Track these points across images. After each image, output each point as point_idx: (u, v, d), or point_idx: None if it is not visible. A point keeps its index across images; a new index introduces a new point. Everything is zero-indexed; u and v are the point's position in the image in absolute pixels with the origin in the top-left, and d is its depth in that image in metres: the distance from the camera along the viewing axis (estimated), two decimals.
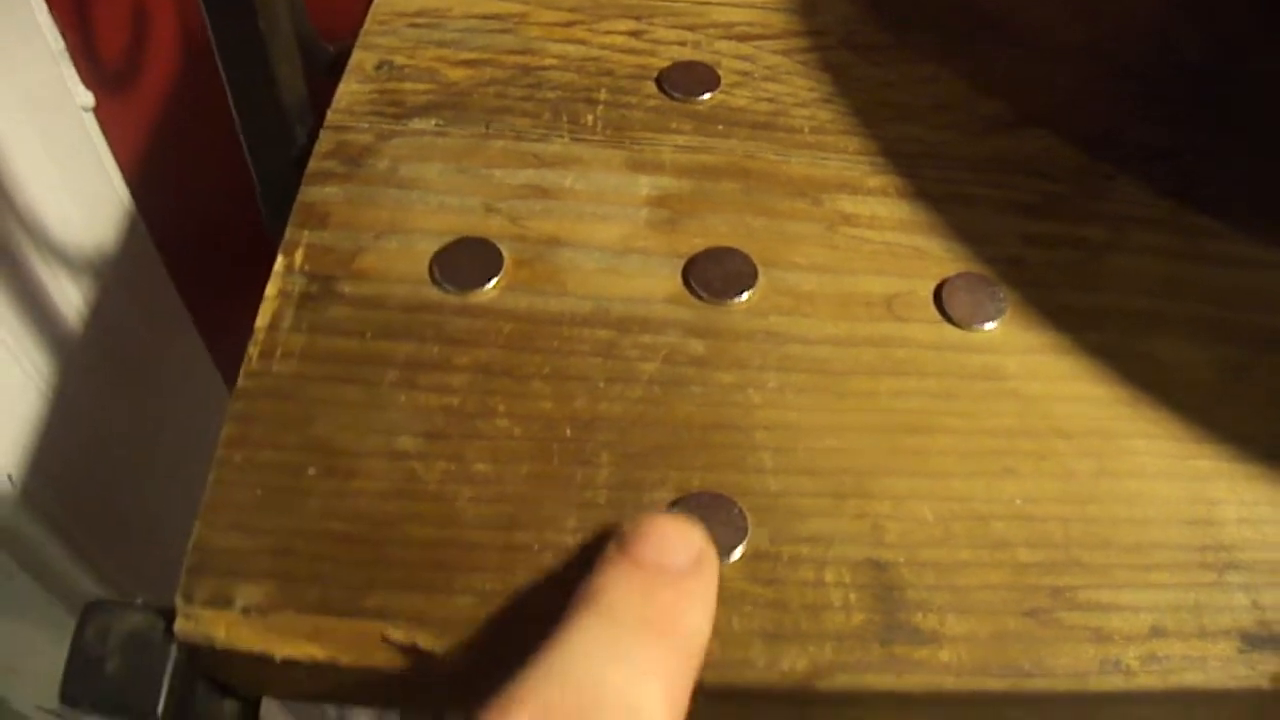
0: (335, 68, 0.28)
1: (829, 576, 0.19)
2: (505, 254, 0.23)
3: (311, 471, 0.20)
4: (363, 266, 0.23)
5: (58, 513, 0.42)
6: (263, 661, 0.19)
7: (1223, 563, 0.20)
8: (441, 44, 0.28)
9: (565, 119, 0.26)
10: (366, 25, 0.28)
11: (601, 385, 0.22)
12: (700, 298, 0.23)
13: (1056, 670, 0.19)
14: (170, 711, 0.19)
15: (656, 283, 0.23)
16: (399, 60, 0.28)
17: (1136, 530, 0.20)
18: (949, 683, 0.19)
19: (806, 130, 0.26)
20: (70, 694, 0.19)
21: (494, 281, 0.23)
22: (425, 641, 0.19)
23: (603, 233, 0.24)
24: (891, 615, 0.19)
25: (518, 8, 0.29)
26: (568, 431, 0.21)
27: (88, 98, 0.42)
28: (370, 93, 0.27)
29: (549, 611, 0.19)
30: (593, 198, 0.25)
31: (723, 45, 0.28)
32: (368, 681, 0.19)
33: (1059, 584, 0.20)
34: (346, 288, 0.23)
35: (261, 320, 0.23)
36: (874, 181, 0.25)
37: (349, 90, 0.27)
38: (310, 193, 0.25)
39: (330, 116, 0.26)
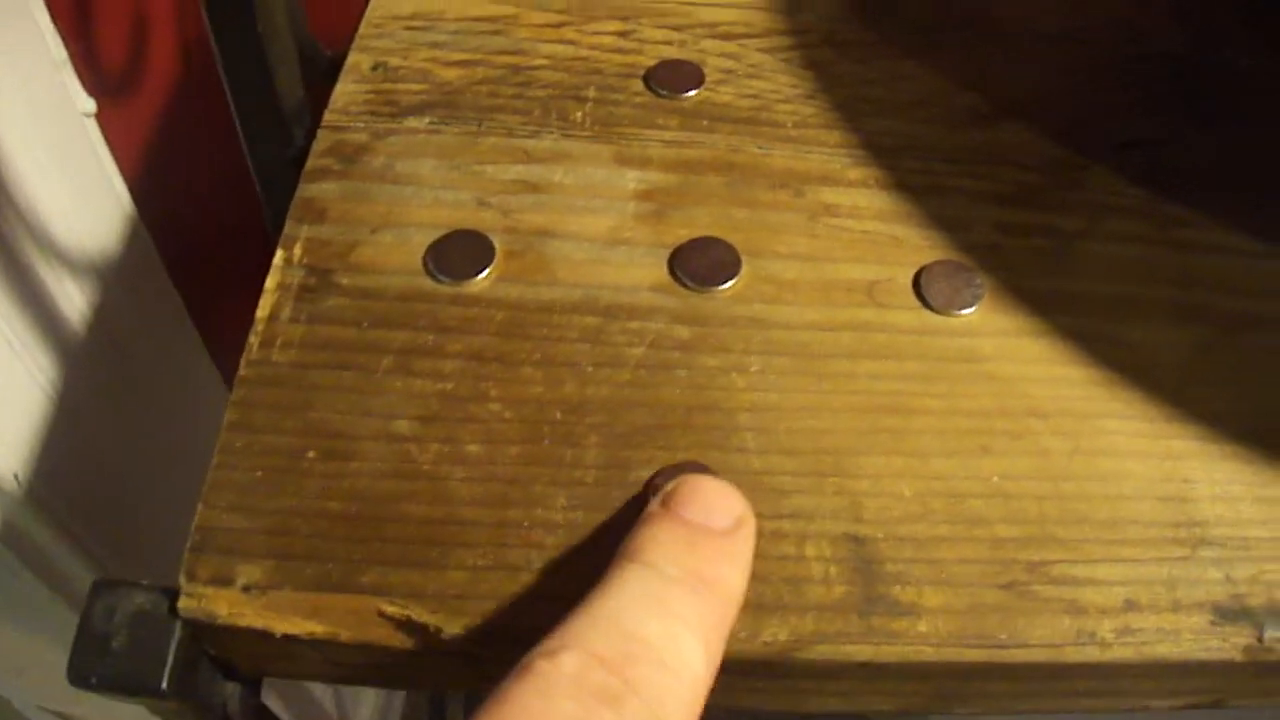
0: (333, 72, 0.28)
1: (809, 551, 0.20)
2: (497, 246, 0.24)
3: (310, 454, 0.21)
4: (359, 259, 0.24)
5: (62, 511, 0.43)
6: (264, 638, 0.19)
7: (1196, 538, 0.21)
8: (435, 45, 0.29)
9: (555, 116, 0.27)
10: (362, 29, 0.29)
11: (590, 370, 0.22)
12: (686, 286, 0.24)
13: (1032, 641, 0.19)
14: (174, 686, 0.19)
15: (643, 272, 0.24)
16: (393, 61, 0.28)
17: (1111, 507, 0.21)
18: (927, 653, 0.19)
19: (789, 125, 0.27)
20: (78, 670, 0.19)
21: (486, 272, 0.24)
22: (421, 615, 0.19)
23: (591, 225, 0.25)
24: (870, 588, 0.20)
25: (509, 10, 0.30)
26: (557, 414, 0.22)
27: (89, 104, 0.43)
28: (366, 93, 0.28)
29: (540, 585, 0.20)
30: (581, 191, 0.25)
31: (708, 44, 0.29)
32: (366, 657, 0.20)
33: (1035, 558, 0.20)
34: (343, 279, 0.24)
35: (262, 311, 0.23)
36: (854, 174, 0.26)
37: (345, 91, 0.28)
38: (308, 189, 0.25)
39: (327, 116, 0.27)
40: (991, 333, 0.23)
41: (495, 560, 0.20)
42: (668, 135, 0.27)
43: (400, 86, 0.28)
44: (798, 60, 0.29)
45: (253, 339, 0.23)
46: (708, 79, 0.28)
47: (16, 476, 0.40)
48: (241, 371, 0.23)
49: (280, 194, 0.26)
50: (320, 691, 0.72)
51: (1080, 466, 0.22)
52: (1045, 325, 0.24)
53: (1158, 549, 0.21)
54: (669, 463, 0.21)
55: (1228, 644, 0.20)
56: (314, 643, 0.20)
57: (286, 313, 0.23)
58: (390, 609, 0.19)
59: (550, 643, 0.16)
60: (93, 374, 0.45)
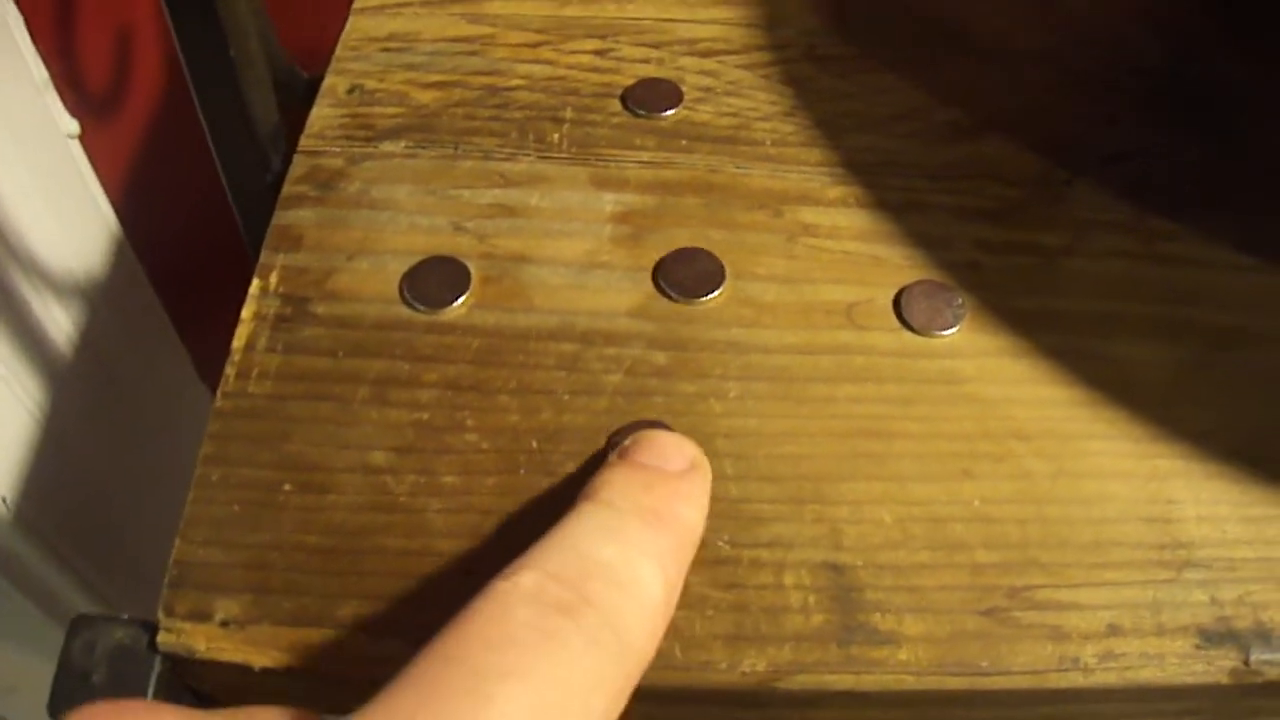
0: (311, 94, 0.28)
1: (788, 580, 0.20)
2: (473, 272, 0.24)
3: (287, 487, 0.21)
4: (335, 287, 0.24)
5: (52, 534, 0.43)
6: (243, 671, 0.19)
7: (1181, 560, 0.21)
8: (411, 67, 0.29)
9: (532, 138, 0.27)
10: (338, 50, 0.29)
11: (566, 398, 0.22)
12: (670, 298, 0.24)
13: (1014, 668, 0.19)
14: None
15: (620, 296, 0.24)
16: (370, 84, 0.28)
17: (1094, 529, 0.21)
18: (908, 682, 0.19)
19: (768, 143, 0.27)
20: (58, 705, 0.19)
21: (462, 299, 0.24)
22: (399, 649, 0.19)
23: (568, 249, 0.25)
24: (850, 616, 0.20)
25: (486, 30, 0.30)
26: (534, 444, 0.21)
27: (73, 125, 0.42)
28: (342, 117, 0.27)
29: None
30: (558, 215, 0.25)
31: (686, 61, 0.29)
32: (345, 691, 0.20)
33: (1017, 584, 0.20)
34: (320, 308, 0.24)
35: (238, 342, 0.23)
36: (834, 192, 0.26)
37: (321, 115, 0.27)
38: (284, 216, 0.25)
39: (303, 141, 0.27)
40: (973, 353, 0.23)
41: (471, 592, 0.20)
42: (645, 156, 0.27)
43: (376, 110, 0.28)
44: (777, 76, 0.29)
45: (229, 370, 0.23)
46: (686, 97, 0.28)
47: (4, 499, 0.40)
48: (217, 403, 0.22)
49: (258, 220, 0.26)
50: None
51: (1063, 489, 0.21)
52: (1028, 345, 0.23)
53: (1142, 571, 0.20)
54: None
55: (1213, 668, 0.20)
56: (293, 676, 0.19)
57: (263, 343, 0.23)
58: (367, 643, 0.19)
59: (509, 569, 0.16)
60: (80, 395, 0.45)
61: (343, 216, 0.25)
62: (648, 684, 0.19)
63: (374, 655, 0.19)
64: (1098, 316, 0.24)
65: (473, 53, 0.29)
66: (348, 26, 0.30)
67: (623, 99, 0.28)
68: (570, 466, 0.21)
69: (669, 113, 0.28)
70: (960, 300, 0.24)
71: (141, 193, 0.48)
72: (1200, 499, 0.21)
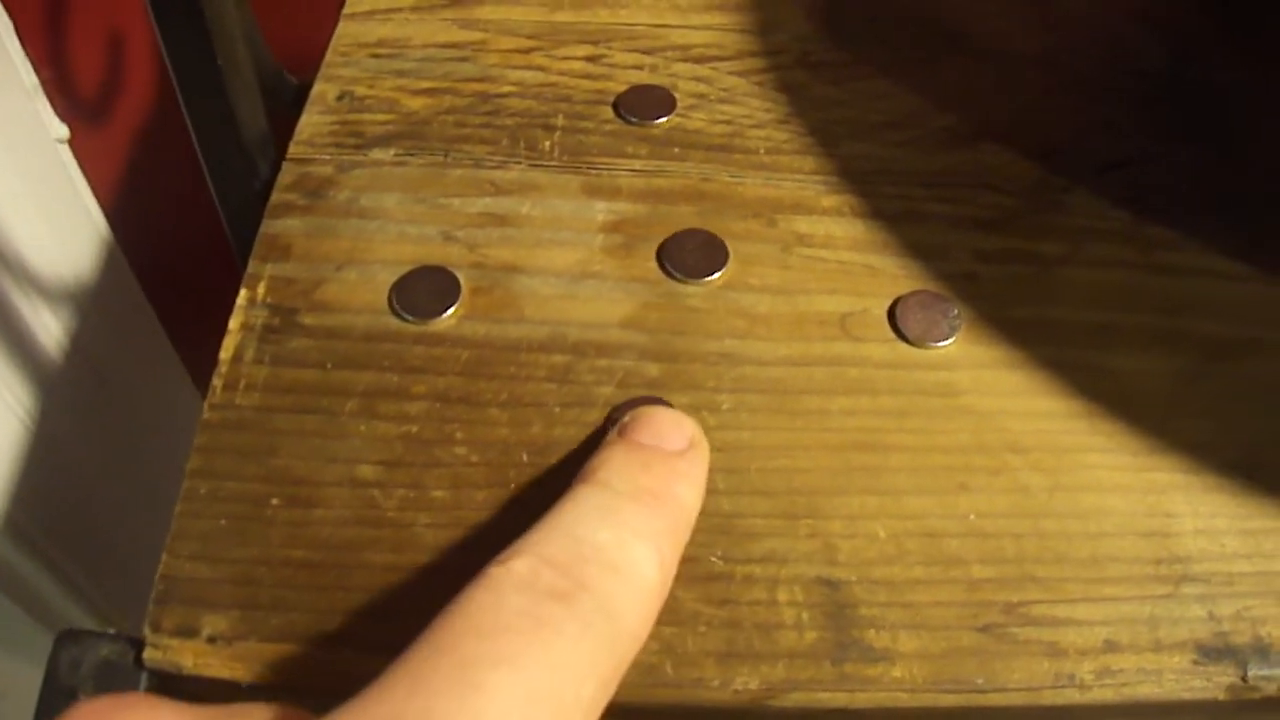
0: (300, 101, 0.28)
1: (781, 596, 0.20)
2: (463, 282, 0.24)
3: (274, 501, 0.21)
4: (324, 298, 0.24)
5: (42, 541, 0.42)
6: (231, 688, 0.19)
7: (1179, 575, 0.20)
8: (401, 73, 0.28)
9: (523, 145, 0.27)
10: (328, 56, 0.29)
11: (557, 410, 0.22)
12: (674, 277, 0.24)
13: (1010, 685, 0.19)
14: None
15: (612, 307, 0.24)
16: (359, 91, 0.28)
17: (1091, 544, 0.21)
18: (902, 699, 0.19)
19: (762, 151, 0.27)
20: None
21: (452, 310, 0.23)
22: (385, 665, 0.19)
23: (559, 259, 0.24)
24: (844, 633, 0.19)
25: (477, 36, 0.30)
26: (524, 457, 0.21)
27: (62, 130, 0.42)
28: (331, 124, 0.27)
29: None
30: (549, 224, 0.25)
31: (680, 68, 0.29)
32: (333, 705, 0.20)
33: (1012, 599, 0.20)
34: (308, 319, 0.23)
35: (225, 353, 0.23)
36: (828, 201, 0.26)
37: (310, 122, 0.27)
38: (272, 225, 0.25)
39: (292, 149, 0.26)
40: (969, 365, 0.23)
41: None
42: (637, 164, 0.26)
43: (366, 117, 0.27)
44: (771, 83, 0.28)
45: (216, 381, 0.23)
46: (679, 104, 0.28)
47: None
48: (205, 415, 0.22)
49: (246, 228, 0.26)
50: None
51: (1060, 503, 0.21)
52: (1024, 356, 0.23)
53: (1139, 587, 0.20)
54: None
55: (1211, 684, 0.19)
56: (280, 692, 0.19)
57: (250, 354, 0.23)
58: (354, 659, 0.19)
59: (504, 554, 0.16)
60: (71, 401, 0.45)
61: (331, 225, 0.25)
62: (639, 701, 0.19)
63: (361, 671, 0.19)
64: (1095, 327, 0.24)
65: (464, 59, 0.29)
66: (337, 32, 0.30)
67: (615, 106, 0.28)
68: (561, 481, 0.21)
69: (661, 120, 0.27)
70: (956, 311, 0.24)
71: (132, 197, 0.48)
72: (1198, 512, 0.21)
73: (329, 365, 0.23)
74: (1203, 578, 0.20)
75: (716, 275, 0.24)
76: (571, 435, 0.21)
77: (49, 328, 0.43)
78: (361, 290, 0.24)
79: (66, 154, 0.43)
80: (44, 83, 0.41)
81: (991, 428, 0.22)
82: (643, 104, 0.27)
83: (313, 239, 0.25)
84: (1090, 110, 0.28)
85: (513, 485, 0.21)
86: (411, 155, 0.26)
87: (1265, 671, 0.19)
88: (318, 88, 0.28)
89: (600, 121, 0.27)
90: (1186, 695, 0.19)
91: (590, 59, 0.29)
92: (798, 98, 0.28)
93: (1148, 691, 0.19)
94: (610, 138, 0.27)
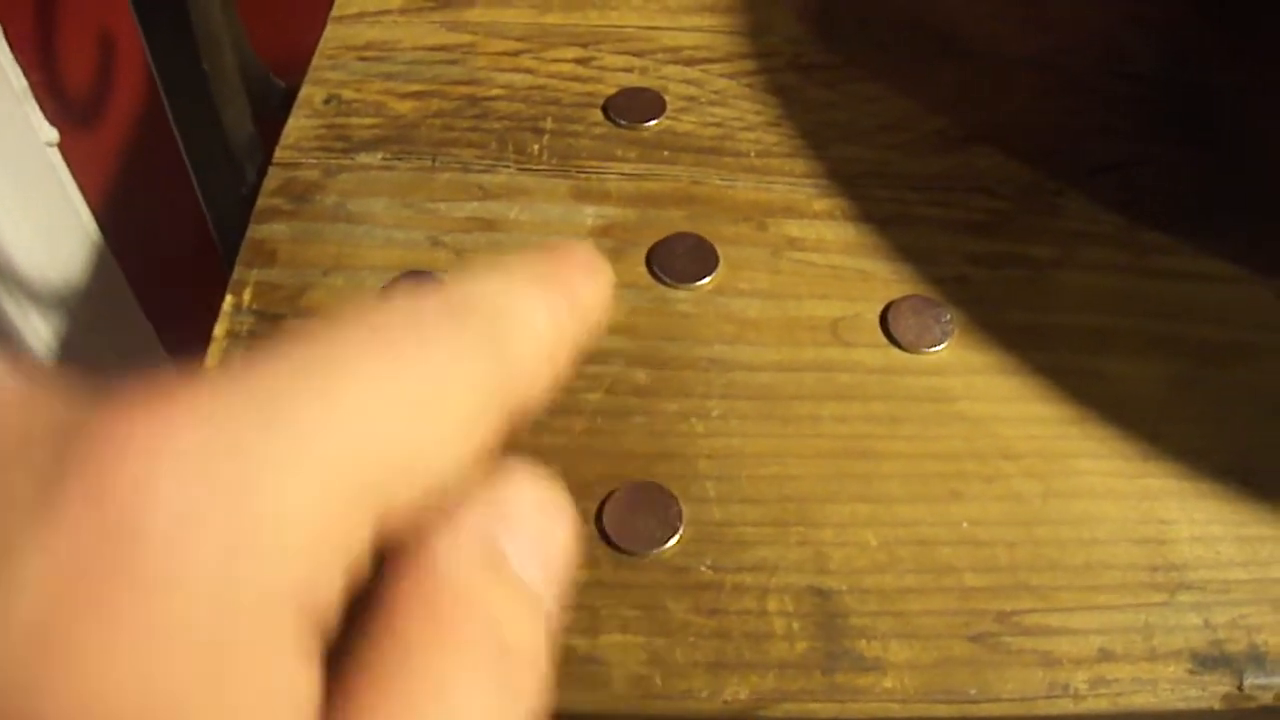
0: (288, 104, 0.28)
1: (771, 605, 0.19)
2: None
3: None
4: (310, 304, 0.23)
5: None
6: None
7: (1174, 583, 0.20)
8: (389, 76, 0.28)
9: (511, 149, 0.26)
10: (315, 60, 0.29)
11: (545, 418, 0.22)
12: (664, 282, 0.24)
13: (1003, 695, 0.19)
14: None
15: None
16: (347, 94, 0.28)
17: (1085, 551, 0.20)
18: (893, 710, 0.19)
19: (753, 154, 0.26)
20: None
21: None
22: None
23: None
24: (834, 643, 0.19)
25: (466, 38, 0.29)
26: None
27: (52, 134, 0.42)
28: (318, 128, 0.27)
29: None
30: (538, 228, 0.25)
31: (670, 70, 0.28)
32: None
33: (1005, 608, 0.20)
34: (294, 326, 0.23)
35: (210, 360, 0.23)
36: (820, 204, 0.25)
37: (297, 126, 0.27)
38: (258, 230, 0.25)
39: (278, 153, 0.26)
40: (962, 370, 0.23)
41: None
42: (627, 168, 0.26)
43: (353, 120, 0.27)
44: (762, 85, 0.28)
45: None
46: (669, 107, 0.27)
47: None
48: None
49: (234, 233, 0.26)
50: None
51: (1053, 510, 0.21)
52: (1017, 361, 0.23)
53: (1134, 594, 0.20)
54: (627, 516, 0.20)
55: (1206, 693, 0.19)
56: None
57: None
58: None
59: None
60: None
61: (318, 230, 0.25)
62: (628, 712, 0.19)
63: None
64: (1088, 331, 0.23)
65: (452, 61, 0.29)
66: (325, 35, 0.29)
67: (604, 109, 0.27)
68: None
69: (651, 123, 0.27)
70: (948, 316, 0.23)
71: (122, 200, 0.48)
72: (1193, 519, 0.21)
73: None
74: (1198, 585, 0.20)
75: (706, 280, 0.24)
76: (560, 443, 0.21)
77: (39, 332, 0.43)
78: (348, 296, 0.23)
79: (56, 157, 0.43)
80: (33, 86, 0.41)
81: (984, 434, 0.22)
82: (633, 106, 0.27)
83: (299, 244, 0.24)
84: (1084, 113, 0.28)
85: None
86: (399, 159, 0.26)
87: (1261, 680, 0.19)
88: (305, 91, 0.28)
89: (590, 124, 0.27)
90: (1182, 705, 0.19)
91: (580, 61, 0.29)
92: (789, 100, 0.28)
93: (1143, 701, 0.19)
94: (600, 141, 0.27)
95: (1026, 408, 0.22)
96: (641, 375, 0.22)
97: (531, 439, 0.21)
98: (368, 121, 0.27)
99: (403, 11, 0.30)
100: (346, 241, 0.24)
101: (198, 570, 0.08)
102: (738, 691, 0.19)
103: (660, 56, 0.29)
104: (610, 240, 0.25)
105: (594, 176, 0.26)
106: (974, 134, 0.27)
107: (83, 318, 0.46)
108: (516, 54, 0.29)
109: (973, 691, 0.19)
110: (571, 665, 0.19)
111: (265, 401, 0.09)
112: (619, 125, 0.27)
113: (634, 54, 0.29)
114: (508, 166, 0.26)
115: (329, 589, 0.09)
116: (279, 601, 0.09)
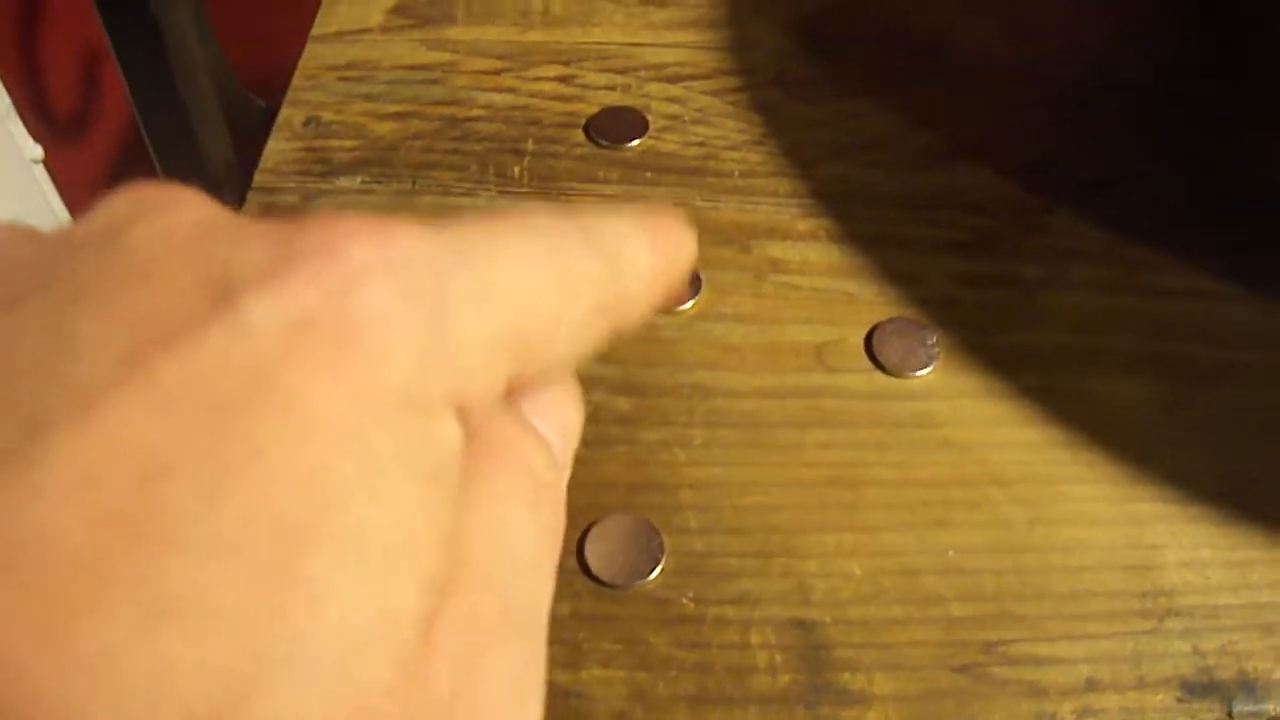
0: (268, 123, 0.27)
1: (754, 638, 0.19)
2: None
3: None
4: None
5: None
6: None
7: (1162, 609, 0.20)
8: (369, 97, 0.28)
9: (492, 171, 0.26)
10: (295, 80, 0.28)
11: None
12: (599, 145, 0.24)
13: None
14: None
15: None
16: (326, 116, 0.27)
17: (1072, 579, 0.20)
18: None
19: (736, 174, 0.26)
20: None
21: None
22: None
23: None
24: (818, 676, 0.19)
25: (446, 57, 0.29)
26: None
27: (37, 150, 0.42)
28: (297, 151, 0.27)
29: None
30: None
31: (653, 88, 0.28)
32: None
33: (992, 638, 0.19)
34: None
35: None
36: (804, 225, 0.25)
37: (276, 149, 0.27)
38: None
39: (257, 177, 0.26)
40: (948, 395, 0.22)
41: None
42: (609, 189, 0.26)
43: (333, 143, 0.27)
44: (746, 103, 0.28)
45: None
46: (651, 126, 0.27)
47: None
48: None
49: None
50: None
51: (1041, 537, 0.21)
52: (1005, 384, 0.23)
53: (1122, 622, 0.20)
54: (609, 549, 0.20)
55: None
56: None
57: None
58: None
59: None
60: None
61: None
62: None
63: None
64: (1077, 352, 0.23)
65: (433, 81, 0.28)
66: (305, 54, 0.29)
67: (586, 129, 0.27)
68: None
69: (634, 143, 0.27)
70: (934, 339, 0.23)
71: None
72: (1182, 544, 0.21)
73: None
74: (1187, 611, 0.20)
75: (689, 305, 0.23)
76: None
77: None
78: None
79: (41, 174, 0.42)
80: (17, 103, 0.40)
81: (971, 459, 0.21)
82: (615, 126, 0.27)
83: None
84: (1071, 127, 0.28)
85: None
86: (378, 183, 0.26)
87: (1251, 707, 0.19)
88: (284, 113, 0.27)
89: (571, 145, 0.27)
90: None
91: (561, 79, 0.28)
92: (773, 118, 0.28)
93: None
94: (581, 162, 0.26)
95: (1015, 432, 0.22)
96: (623, 403, 0.22)
97: None
98: (348, 144, 0.27)
99: (383, 30, 0.30)
100: None
101: (398, 355, 0.09)
102: None
103: (643, 74, 0.29)
104: None
105: (576, 198, 0.26)
106: (961, 150, 0.27)
107: None
108: (498, 72, 0.29)
109: None
110: (553, 700, 0.19)
111: (459, 250, 0.11)
112: (601, 146, 0.27)
113: (616, 71, 0.29)
114: (488, 189, 0.26)
115: (474, 417, 0.11)
116: (448, 407, 0.10)
